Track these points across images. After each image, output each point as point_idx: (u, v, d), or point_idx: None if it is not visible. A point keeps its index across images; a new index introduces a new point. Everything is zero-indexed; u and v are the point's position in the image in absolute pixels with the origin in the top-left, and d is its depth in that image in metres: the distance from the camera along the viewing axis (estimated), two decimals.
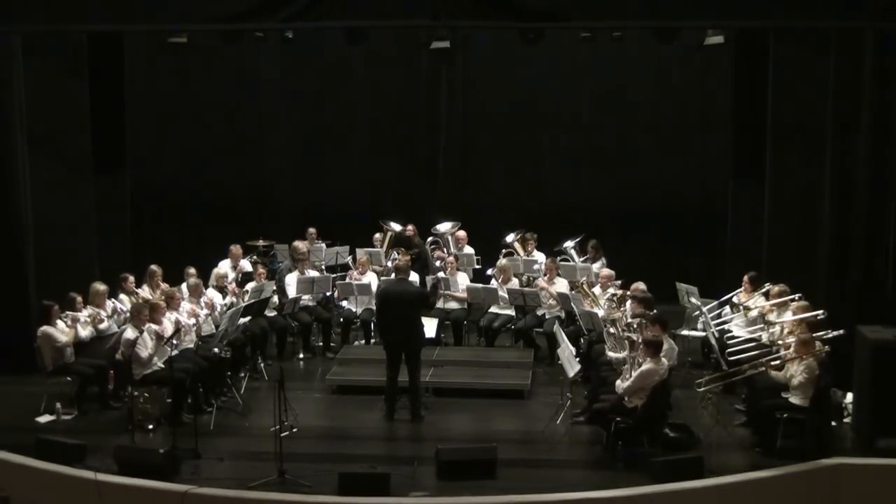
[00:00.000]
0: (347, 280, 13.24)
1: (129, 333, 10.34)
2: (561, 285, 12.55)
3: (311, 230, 14.08)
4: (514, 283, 12.89)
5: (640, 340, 9.73)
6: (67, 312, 10.84)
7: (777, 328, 10.39)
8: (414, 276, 13.17)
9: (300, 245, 13.46)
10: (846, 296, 11.00)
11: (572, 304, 11.82)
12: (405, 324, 10.70)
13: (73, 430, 10.10)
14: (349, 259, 13.92)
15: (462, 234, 14.15)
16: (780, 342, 10.08)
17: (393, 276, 12.71)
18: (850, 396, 10.31)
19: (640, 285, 11.45)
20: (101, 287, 11.27)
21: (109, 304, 11.32)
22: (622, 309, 10.91)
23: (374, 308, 11.53)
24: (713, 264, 14.41)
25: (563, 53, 14.99)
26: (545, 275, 12.78)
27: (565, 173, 15.71)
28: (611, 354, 10.44)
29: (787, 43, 11.95)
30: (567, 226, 14.15)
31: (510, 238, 13.88)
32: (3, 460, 9.38)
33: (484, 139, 15.85)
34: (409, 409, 10.63)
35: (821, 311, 10.04)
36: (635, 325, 10.13)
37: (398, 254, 13.49)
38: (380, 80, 15.78)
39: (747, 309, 11.05)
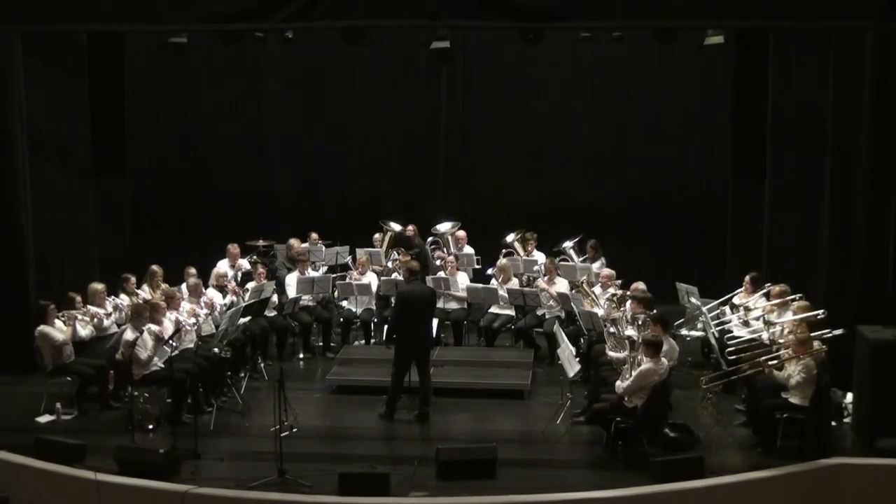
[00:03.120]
0: (347, 280, 13.24)
1: (129, 334, 10.34)
2: (561, 285, 12.54)
3: (314, 235, 14.05)
4: (514, 283, 12.89)
5: (640, 340, 9.73)
6: (65, 311, 10.84)
7: (778, 328, 10.39)
8: None
9: (295, 243, 13.49)
10: (846, 296, 10.99)
11: (572, 304, 11.82)
12: (426, 325, 10.78)
13: (73, 430, 10.10)
14: (349, 259, 13.91)
15: (462, 234, 14.15)
16: (780, 342, 10.08)
17: (397, 276, 12.78)
18: (850, 396, 10.30)
19: (640, 285, 11.46)
20: (99, 286, 11.27)
21: (110, 301, 11.32)
22: (622, 309, 10.91)
23: (392, 309, 11.20)
24: (713, 264, 14.40)
25: (563, 53, 14.98)
26: (545, 276, 12.77)
27: (565, 173, 15.71)
28: (611, 354, 10.45)
29: (787, 43, 11.96)
30: (567, 226, 14.14)
31: (510, 238, 13.89)
32: (3, 460, 9.38)
33: (484, 139, 15.84)
34: (416, 410, 10.61)
35: (821, 311, 10.05)
36: (640, 322, 10.13)
37: (398, 254, 13.52)
38: (380, 80, 15.77)
39: (748, 309, 11.05)
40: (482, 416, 10.82)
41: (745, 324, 11.03)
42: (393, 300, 12.16)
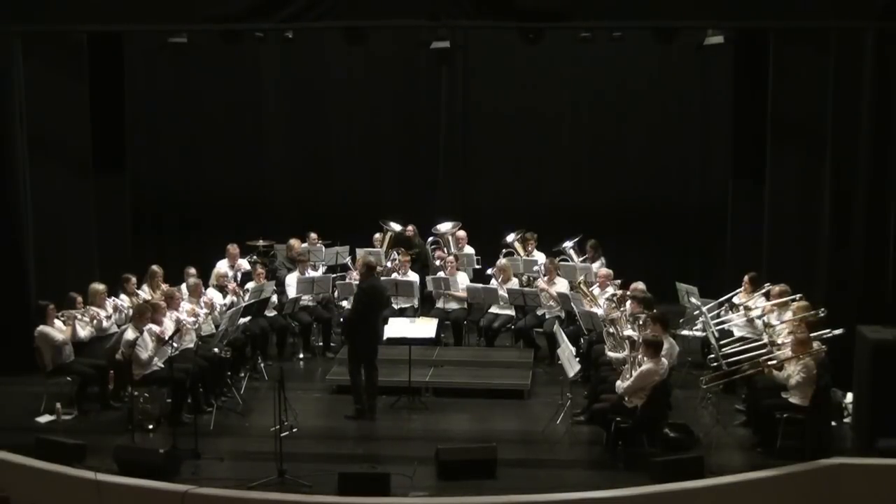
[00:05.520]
0: (347, 280, 13.24)
1: (130, 334, 10.33)
2: (561, 285, 12.54)
3: (313, 235, 14.04)
4: (514, 283, 12.89)
5: (640, 340, 9.73)
6: (64, 311, 10.84)
7: (778, 328, 10.39)
8: (414, 276, 13.22)
9: (295, 243, 13.50)
10: (846, 296, 10.99)
11: (572, 304, 11.82)
12: (380, 321, 10.98)
13: (73, 430, 10.10)
14: (349, 259, 13.91)
15: (462, 234, 14.14)
16: (779, 342, 10.08)
17: (397, 276, 12.83)
18: (850, 396, 10.31)
19: (640, 285, 11.46)
20: (99, 287, 11.27)
21: (110, 301, 11.32)
22: (622, 309, 10.91)
23: (351, 304, 11.34)
24: (713, 264, 14.41)
25: (563, 53, 14.98)
26: (545, 276, 12.77)
27: (565, 173, 15.70)
28: (611, 354, 10.44)
29: (787, 43, 11.95)
30: (567, 226, 14.13)
31: (510, 238, 13.88)
32: (3, 460, 9.38)
33: (484, 139, 15.84)
34: (367, 407, 10.69)
35: (821, 311, 10.05)
36: (640, 322, 10.13)
37: (398, 254, 13.52)
38: (380, 80, 15.76)
39: (748, 309, 11.05)
40: (482, 416, 10.82)
41: (745, 324, 11.03)
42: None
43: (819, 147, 11.47)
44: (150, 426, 10.23)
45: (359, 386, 10.66)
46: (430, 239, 14.30)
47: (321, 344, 13.07)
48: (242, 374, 11.59)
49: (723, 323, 11.22)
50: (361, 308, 10.80)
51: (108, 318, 11.22)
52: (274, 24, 11.31)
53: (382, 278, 13.02)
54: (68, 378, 10.67)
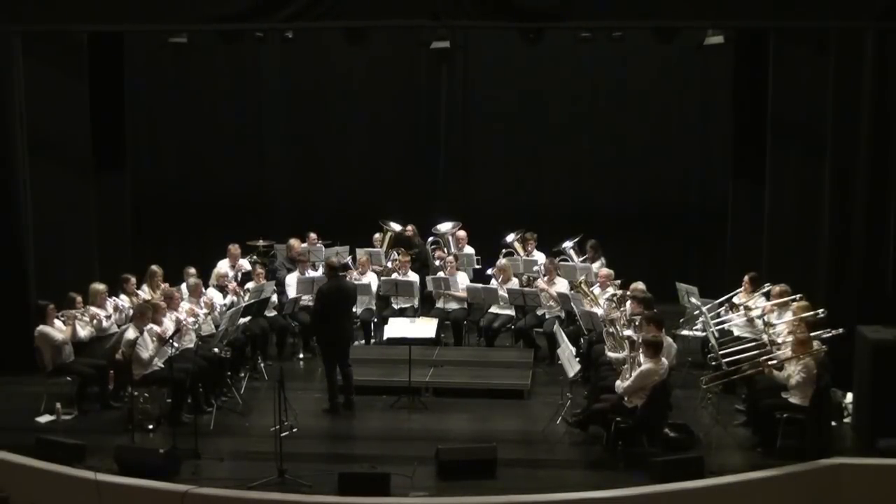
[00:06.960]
0: (347, 280, 13.22)
1: (130, 334, 10.34)
2: (561, 285, 12.54)
3: (313, 235, 14.04)
4: (514, 283, 12.88)
5: (640, 340, 9.73)
6: (64, 311, 10.84)
7: (778, 328, 10.39)
8: (414, 276, 13.22)
9: (295, 243, 13.50)
10: (846, 296, 10.99)
11: (572, 304, 11.82)
12: (346, 319, 11.06)
13: (73, 430, 10.10)
14: (349, 259, 13.91)
15: (462, 234, 14.14)
16: (779, 342, 10.08)
17: (397, 276, 12.83)
18: (850, 396, 10.31)
19: (640, 285, 11.46)
20: (100, 287, 11.27)
21: (110, 301, 11.32)
22: (622, 309, 10.91)
23: (313, 304, 11.48)
24: (713, 264, 14.41)
25: (562, 53, 14.98)
26: (545, 276, 12.77)
27: (565, 173, 15.70)
28: (610, 355, 10.43)
29: (787, 43, 11.96)
30: (567, 226, 14.14)
31: (510, 238, 13.88)
32: (3, 460, 9.38)
33: (484, 139, 15.84)
34: (344, 403, 10.79)
35: (821, 311, 10.05)
36: (637, 323, 10.13)
37: (398, 254, 13.52)
38: (380, 80, 15.76)
39: (748, 309, 11.05)
40: (482, 416, 10.81)
41: (745, 324, 11.03)
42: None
43: (819, 147, 11.48)
44: (150, 426, 10.23)
45: (333, 382, 10.77)
46: (430, 239, 14.30)
47: None
48: (242, 374, 11.59)
49: (723, 323, 11.22)
50: (321, 308, 10.90)
51: (108, 318, 11.22)
52: (274, 24, 11.32)
53: (382, 278, 13.09)
54: (68, 378, 10.67)
